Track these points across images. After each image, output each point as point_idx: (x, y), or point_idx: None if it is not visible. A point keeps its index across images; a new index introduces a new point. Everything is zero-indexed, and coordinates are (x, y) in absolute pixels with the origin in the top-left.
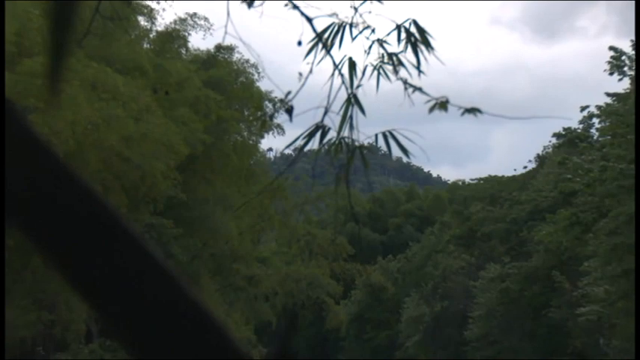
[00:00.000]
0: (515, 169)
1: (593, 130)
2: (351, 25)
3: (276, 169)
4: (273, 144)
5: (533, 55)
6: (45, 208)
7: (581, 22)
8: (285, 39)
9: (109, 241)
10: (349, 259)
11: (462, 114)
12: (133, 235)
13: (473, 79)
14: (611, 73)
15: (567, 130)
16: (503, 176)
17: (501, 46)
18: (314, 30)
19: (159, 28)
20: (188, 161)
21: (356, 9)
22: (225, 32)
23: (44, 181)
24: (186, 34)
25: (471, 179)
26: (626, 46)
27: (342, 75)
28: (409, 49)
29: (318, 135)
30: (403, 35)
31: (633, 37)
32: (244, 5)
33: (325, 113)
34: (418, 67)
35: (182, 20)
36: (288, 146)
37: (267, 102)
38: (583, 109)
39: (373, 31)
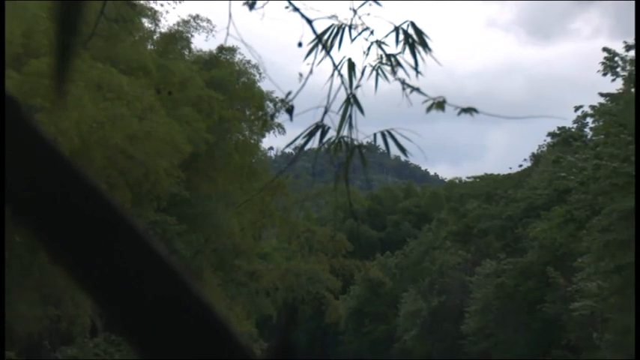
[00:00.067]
0: (510, 168)
1: (586, 130)
2: (350, 27)
3: (277, 167)
4: (274, 143)
5: (529, 56)
6: (50, 205)
7: (575, 25)
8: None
9: (114, 237)
10: (348, 255)
11: (459, 114)
12: (137, 231)
13: (469, 80)
14: (605, 74)
15: (562, 129)
16: (499, 174)
17: (497, 48)
18: (314, 31)
19: (162, 30)
20: (191, 159)
21: (355, 11)
22: (227, 34)
23: (50, 179)
24: (189, 35)
25: (468, 177)
26: (619, 47)
27: (341, 75)
28: (407, 50)
29: (318, 134)
30: (401, 37)
31: (626, 39)
32: (246, 7)
33: (325, 113)
34: (416, 68)
35: (185, 22)
36: (288, 145)
37: (268, 102)
38: (577, 109)
39: (372, 32)
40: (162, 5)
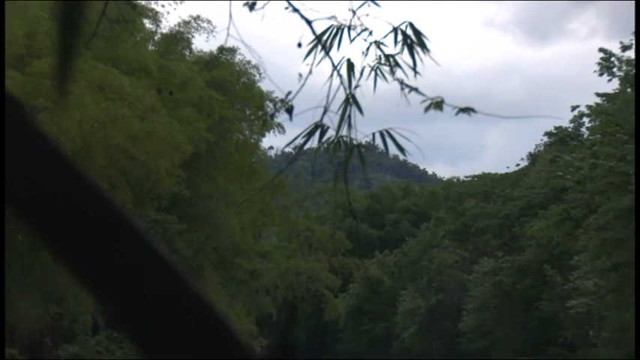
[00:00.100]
0: (508, 167)
1: (583, 129)
2: (349, 28)
3: (277, 166)
4: (274, 142)
5: (526, 56)
6: (52, 205)
7: (571, 25)
8: (285, 41)
9: (116, 236)
10: (347, 253)
11: (457, 113)
12: (138, 230)
13: (467, 80)
14: (601, 74)
15: (558, 129)
16: (496, 174)
17: (495, 48)
18: (313, 32)
19: (163, 31)
20: (192, 159)
21: (354, 12)
22: (228, 34)
23: (52, 179)
24: (190, 36)
25: (466, 176)
26: (615, 47)
27: (340, 76)
28: (405, 50)
29: (317, 134)
30: (400, 37)
31: (622, 40)
32: (246, 8)
33: (324, 113)
34: (414, 68)
35: (186, 23)
36: (288, 144)
37: (268, 102)
38: (574, 108)
39: (371, 33)
40: (163, 6)
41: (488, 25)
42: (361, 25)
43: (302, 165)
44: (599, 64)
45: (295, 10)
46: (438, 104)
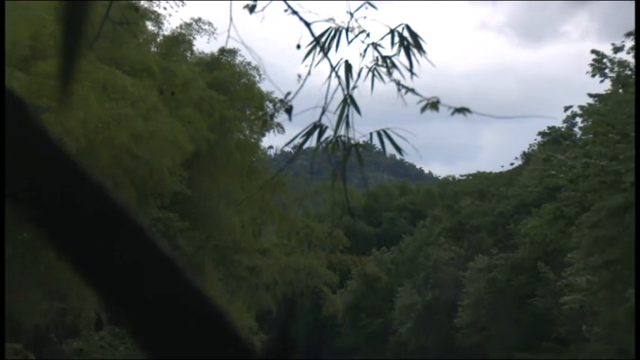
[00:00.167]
0: (502, 166)
1: (576, 129)
2: (347, 30)
3: (277, 165)
4: (273, 142)
5: (520, 58)
6: (57, 203)
7: (564, 28)
8: (284, 43)
9: (119, 234)
10: (345, 250)
11: (452, 114)
12: (141, 228)
13: (462, 81)
14: (593, 75)
15: (552, 128)
16: (491, 172)
17: (489, 50)
18: (312, 34)
19: (165, 33)
20: (193, 158)
21: (352, 14)
22: (228, 36)
23: (56, 178)
24: (192, 38)
25: (461, 175)
26: (607, 49)
27: (338, 77)
28: (402, 52)
29: (316, 133)
30: (396, 39)
31: (613, 41)
32: (246, 11)
33: (323, 113)
34: (411, 70)
35: (187, 25)
36: (287, 144)
37: (267, 102)
38: (567, 109)
39: (368, 35)
40: (165, 9)
41: (483, 27)
42: (359, 27)
43: (301, 164)
44: (592, 65)
45: (294, 12)
46: (433, 104)
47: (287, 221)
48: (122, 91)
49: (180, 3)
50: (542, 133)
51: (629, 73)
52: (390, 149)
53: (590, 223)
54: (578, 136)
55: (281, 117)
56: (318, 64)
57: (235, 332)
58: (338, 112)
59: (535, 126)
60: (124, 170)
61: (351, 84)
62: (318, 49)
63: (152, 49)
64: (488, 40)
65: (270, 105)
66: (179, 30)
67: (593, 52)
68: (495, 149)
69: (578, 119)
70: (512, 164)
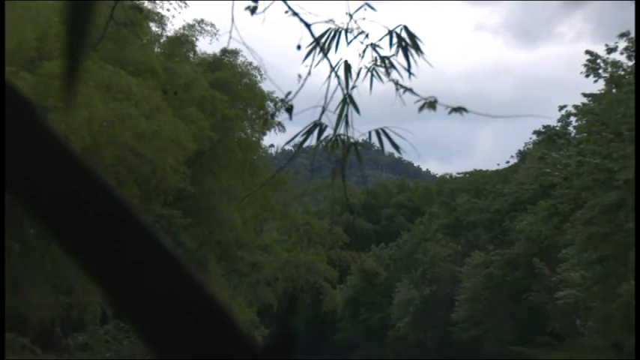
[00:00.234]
0: (498, 164)
1: (570, 128)
2: (346, 31)
3: (277, 163)
4: (274, 140)
5: (516, 58)
6: (62, 201)
7: (559, 29)
8: (285, 43)
9: (122, 231)
10: (345, 246)
11: (450, 113)
12: (144, 225)
13: (459, 81)
14: (587, 75)
15: (547, 127)
16: (487, 170)
17: (486, 51)
18: (312, 35)
19: (169, 34)
20: (196, 156)
21: (351, 15)
22: (230, 37)
23: (61, 176)
24: (194, 39)
25: (458, 173)
26: (601, 50)
27: (338, 77)
28: (400, 52)
29: (316, 132)
30: (395, 40)
31: (607, 42)
32: (248, 12)
33: (322, 112)
34: (409, 70)
35: (190, 26)
36: (288, 142)
37: (268, 102)
38: (561, 108)
39: (367, 36)
40: (168, 10)
41: (480, 29)
42: (358, 28)
43: (301, 162)
44: (586, 65)
45: (295, 13)
46: (431, 104)
47: (288, 218)
48: (126, 91)
49: (183, 4)
50: (537, 132)
51: (623, 73)
52: (388, 148)
53: (584, 220)
54: (572, 134)
55: (282, 116)
56: (318, 64)
57: (237, 328)
58: (337, 111)
59: (530, 125)
60: (127, 168)
61: (351, 84)
62: (318, 49)
63: (156, 49)
64: (484, 41)
65: (271, 104)
66: (182, 31)
67: (587, 52)
68: (491, 148)
69: (573, 118)
70: (508, 162)
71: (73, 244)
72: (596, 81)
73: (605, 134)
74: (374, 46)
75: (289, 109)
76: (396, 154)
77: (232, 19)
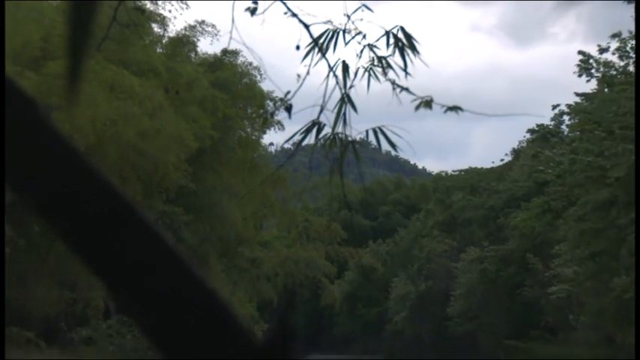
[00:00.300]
0: (493, 162)
1: (563, 127)
2: (344, 31)
3: (277, 161)
4: (274, 139)
5: (510, 59)
6: (65, 198)
7: (552, 29)
8: (284, 44)
9: (125, 228)
10: (343, 242)
11: (445, 112)
12: (146, 222)
13: (455, 81)
14: (580, 75)
15: (540, 126)
16: (482, 168)
17: (481, 51)
18: (311, 36)
19: (170, 34)
20: (197, 154)
21: (349, 16)
22: (231, 38)
23: (65, 174)
24: (196, 39)
25: (453, 171)
26: (593, 50)
27: (336, 76)
28: (397, 53)
29: (314, 131)
30: (391, 40)
31: (599, 42)
32: (248, 13)
33: (321, 111)
34: (405, 70)
35: (192, 27)
36: (287, 141)
37: (268, 101)
38: (554, 107)
39: (364, 36)
40: (170, 11)
41: (475, 29)
42: (355, 28)
43: (300, 160)
44: (578, 65)
45: (294, 14)
46: (427, 103)
47: (287, 215)
48: (129, 90)
49: (184, 5)
50: (531, 131)
51: (614, 73)
52: (385, 146)
53: (576, 217)
54: (565, 133)
55: (281, 115)
56: (316, 64)
57: (238, 323)
58: (335, 110)
59: (524, 124)
60: (130, 166)
61: (348, 83)
62: (316, 50)
63: (158, 50)
64: (479, 41)
65: (271, 103)
66: (183, 32)
67: (580, 53)
68: (486, 146)
69: (566, 117)
70: (502, 160)
71: (76, 242)
72: (588, 81)
73: (598, 133)
74: (371, 47)
75: (288, 108)
76: (393, 153)
77: (233, 20)
